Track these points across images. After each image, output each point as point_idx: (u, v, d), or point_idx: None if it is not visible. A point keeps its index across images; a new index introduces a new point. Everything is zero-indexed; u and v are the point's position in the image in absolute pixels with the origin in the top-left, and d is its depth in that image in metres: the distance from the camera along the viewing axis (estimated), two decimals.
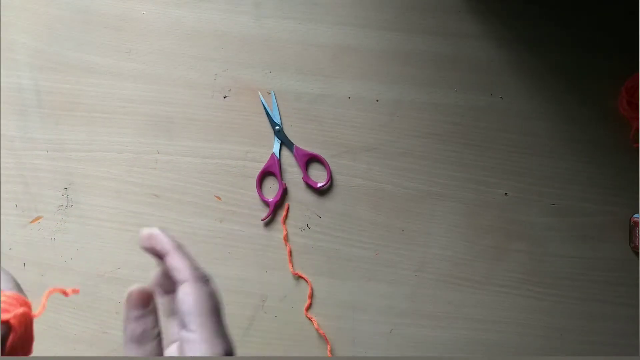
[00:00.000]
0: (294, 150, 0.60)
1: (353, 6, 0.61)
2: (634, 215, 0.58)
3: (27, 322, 0.32)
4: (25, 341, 0.32)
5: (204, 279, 0.35)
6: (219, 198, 0.60)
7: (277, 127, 0.60)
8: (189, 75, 0.61)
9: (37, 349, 0.63)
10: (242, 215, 0.60)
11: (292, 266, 0.59)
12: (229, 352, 0.33)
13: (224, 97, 0.61)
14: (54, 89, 0.61)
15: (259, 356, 0.59)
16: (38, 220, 0.61)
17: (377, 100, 0.60)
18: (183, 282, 0.34)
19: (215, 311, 0.34)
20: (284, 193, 0.60)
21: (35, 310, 0.33)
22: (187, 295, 0.33)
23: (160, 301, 0.36)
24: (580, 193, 0.59)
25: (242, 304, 0.59)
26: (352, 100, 0.61)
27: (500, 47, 0.60)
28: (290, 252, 0.59)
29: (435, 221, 0.60)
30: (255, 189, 0.60)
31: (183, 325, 0.33)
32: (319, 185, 0.60)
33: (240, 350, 0.59)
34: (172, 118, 0.61)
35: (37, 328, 0.62)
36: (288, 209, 0.60)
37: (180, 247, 0.36)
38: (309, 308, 0.59)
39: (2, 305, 0.30)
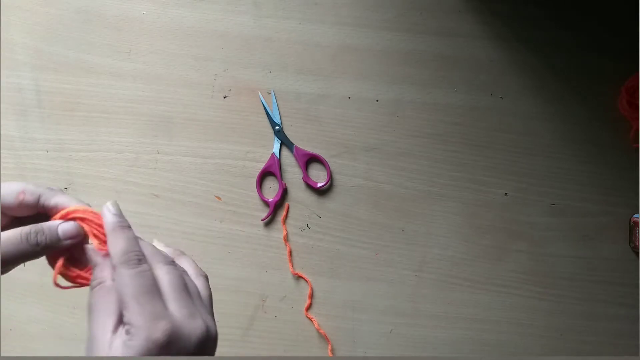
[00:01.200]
0: (294, 150, 0.60)
1: (353, 6, 0.61)
2: (634, 215, 0.58)
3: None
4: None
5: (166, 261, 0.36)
6: (219, 198, 0.60)
7: (277, 127, 0.60)
8: (189, 75, 0.61)
9: (37, 349, 0.63)
10: (242, 215, 0.60)
11: (292, 266, 0.59)
12: (172, 332, 0.33)
13: (224, 97, 0.61)
14: (54, 89, 0.61)
15: (259, 356, 0.59)
16: None
17: (377, 100, 0.60)
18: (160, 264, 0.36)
19: (149, 289, 0.34)
20: (284, 193, 0.60)
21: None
22: (118, 278, 0.34)
23: None
24: (580, 193, 0.59)
25: (242, 304, 0.59)
26: (352, 100, 0.61)
27: (501, 47, 0.60)
28: (290, 252, 0.59)
29: (435, 221, 0.60)
30: (255, 189, 0.60)
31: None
32: (319, 185, 0.60)
33: (240, 350, 0.59)
34: (172, 118, 0.61)
35: (37, 328, 0.63)
36: (288, 209, 0.60)
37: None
38: (309, 308, 0.59)
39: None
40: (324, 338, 0.59)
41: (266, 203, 0.60)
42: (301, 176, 0.60)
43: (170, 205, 0.60)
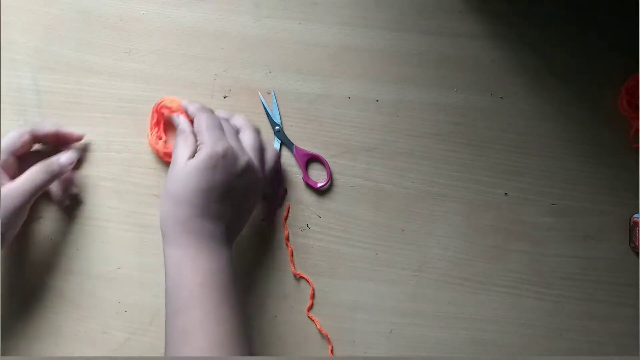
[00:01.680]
0: (294, 150, 0.60)
1: (353, 6, 0.61)
2: (634, 215, 0.58)
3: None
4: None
5: (206, 110, 0.55)
6: None
7: (277, 127, 0.60)
8: (189, 75, 0.61)
9: (38, 349, 0.63)
10: None
11: (294, 267, 0.59)
12: (228, 149, 0.50)
13: (224, 97, 0.61)
14: (54, 89, 0.61)
15: (259, 356, 0.59)
16: (38, 220, 0.61)
17: (377, 100, 0.60)
18: (194, 116, 0.54)
19: (217, 124, 0.53)
20: (284, 193, 0.60)
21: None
22: (196, 119, 0.54)
23: None
24: (580, 193, 0.59)
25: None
26: (352, 100, 0.61)
27: (501, 47, 0.60)
28: (292, 253, 0.59)
29: (435, 221, 0.60)
30: None
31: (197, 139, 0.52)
32: (319, 185, 0.60)
33: None
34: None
35: (38, 328, 0.63)
36: (288, 209, 0.60)
37: (191, 104, 0.56)
38: (310, 308, 0.59)
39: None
40: (324, 338, 0.59)
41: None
42: (301, 176, 0.60)
43: None
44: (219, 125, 0.52)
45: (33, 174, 0.54)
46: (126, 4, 0.62)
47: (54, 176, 0.55)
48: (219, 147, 0.50)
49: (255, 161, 0.53)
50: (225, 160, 0.50)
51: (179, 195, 0.49)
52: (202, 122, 0.52)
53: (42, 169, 0.55)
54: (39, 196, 0.55)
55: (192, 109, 0.55)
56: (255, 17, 0.61)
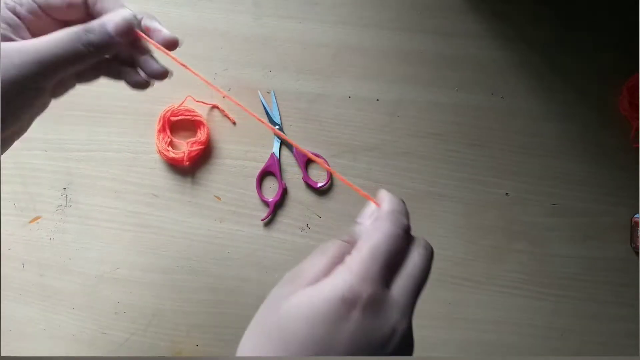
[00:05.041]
0: (294, 150, 0.60)
1: (353, 6, 0.61)
2: (635, 215, 0.58)
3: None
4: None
5: (396, 224, 0.34)
6: (219, 198, 0.60)
7: (277, 127, 0.60)
8: (189, 75, 0.61)
9: (37, 349, 0.63)
10: (242, 215, 0.60)
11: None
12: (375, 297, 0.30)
13: (224, 97, 0.61)
14: None
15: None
16: (37, 220, 0.61)
17: (377, 100, 0.60)
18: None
19: (391, 252, 0.33)
20: (284, 193, 0.60)
21: None
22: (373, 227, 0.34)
23: None
24: (581, 193, 0.59)
25: (242, 304, 0.59)
26: (352, 100, 0.60)
27: (502, 47, 0.60)
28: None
29: (435, 221, 0.60)
30: (255, 189, 0.60)
31: None
32: (319, 185, 0.60)
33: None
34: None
35: (37, 328, 0.62)
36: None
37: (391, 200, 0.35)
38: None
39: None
40: None
41: (266, 203, 0.60)
42: (301, 176, 0.60)
43: (170, 205, 0.60)
44: (392, 254, 0.32)
45: (61, 38, 0.34)
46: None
47: (90, 51, 0.35)
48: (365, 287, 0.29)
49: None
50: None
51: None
52: (374, 239, 0.32)
53: (71, 34, 0.34)
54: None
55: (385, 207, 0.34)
56: (255, 16, 0.61)
